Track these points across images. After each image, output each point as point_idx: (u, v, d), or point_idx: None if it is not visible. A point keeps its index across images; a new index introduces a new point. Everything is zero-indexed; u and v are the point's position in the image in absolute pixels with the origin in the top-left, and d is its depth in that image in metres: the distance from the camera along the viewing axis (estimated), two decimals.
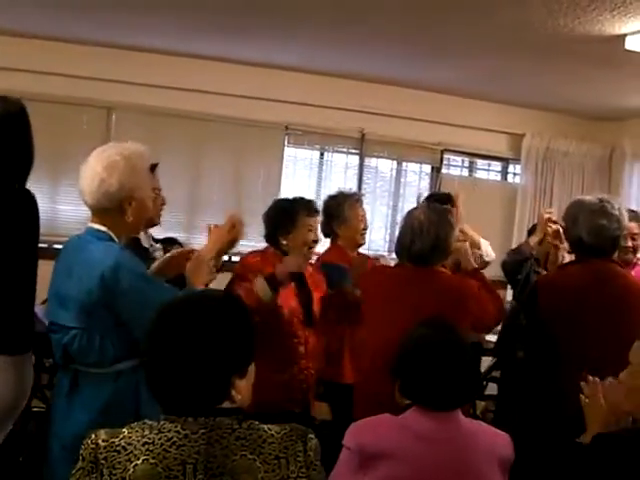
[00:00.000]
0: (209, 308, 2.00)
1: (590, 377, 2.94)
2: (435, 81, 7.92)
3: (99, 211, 3.03)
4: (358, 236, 4.70)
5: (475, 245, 4.60)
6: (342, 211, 4.70)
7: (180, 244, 5.35)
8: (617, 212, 3.82)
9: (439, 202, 4.82)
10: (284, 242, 4.25)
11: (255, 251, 4.42)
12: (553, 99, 8.34)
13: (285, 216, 4.28)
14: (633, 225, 4.58)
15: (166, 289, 3.01)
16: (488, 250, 4.70)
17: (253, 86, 7.69)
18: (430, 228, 3.64)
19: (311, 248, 4.35)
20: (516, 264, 4.36)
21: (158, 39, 6.98)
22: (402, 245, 3.68)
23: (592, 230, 3.77)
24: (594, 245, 3.79)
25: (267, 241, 4.35)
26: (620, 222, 3.82)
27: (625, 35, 5.39)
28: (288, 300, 4.16)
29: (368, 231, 5.03)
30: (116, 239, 3.03)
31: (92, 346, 2.94)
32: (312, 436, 2.04)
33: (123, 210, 3.01)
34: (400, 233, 3.72)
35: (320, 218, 4.64)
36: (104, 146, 3.11)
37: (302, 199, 4.44)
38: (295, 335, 4.19)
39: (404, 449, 2.61)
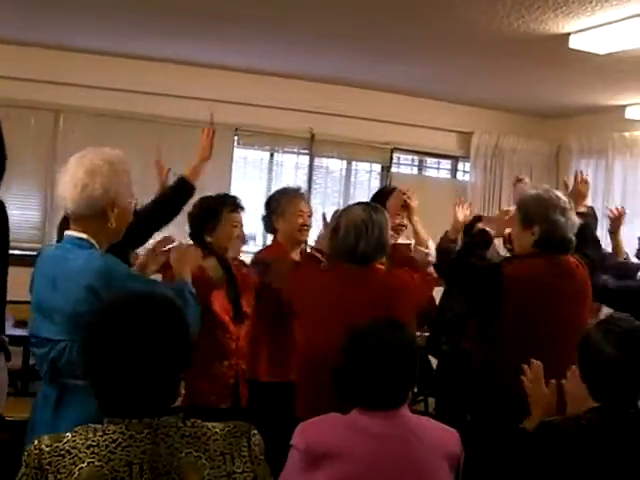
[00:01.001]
0: (152, 308, 2.00)
1: (534, 361, 2.99)
2: (384, 81, 7.97)
3: (80, 218, 2.92)
4: (296, 232, 4.65)
5: (423, 244, 4.62)
6: (281, 205, 4.69)
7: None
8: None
9: (386, 196, 4.85)
10: (209, 239, 4.26)
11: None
12: (501, 97, 8.43)
13: (209, 213, 4.29)
14: None
15: (159, 286, 2.98)
16: (432, 251, 4.72)
17: (202, 87, 7.67)
18: (374, 227, 3.62)
19: (234, 244, 4.36)
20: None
21: (107, 41, 6.94)
22: (346, 246, 3.64)
23: (573, 227, 3.81)
24: (572, 242, 3.84)
25: (192, 239, 4.33)
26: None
27: (569, 34, 5.47)
28: (218, 296, 4.17)
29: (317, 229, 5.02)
30: (97, 246, 2.93)
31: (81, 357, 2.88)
32: (255, 432, 2.06)
33: (106, 216, 2.91)
34: (341, 233, 3.66)
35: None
36: (82, 152, 2.98)
37: (226, 195, 4.48)
38: (227, 331, 4.21)
39: (352, 447, 2.61)
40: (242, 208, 4.42)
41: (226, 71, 7.79)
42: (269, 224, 4.76)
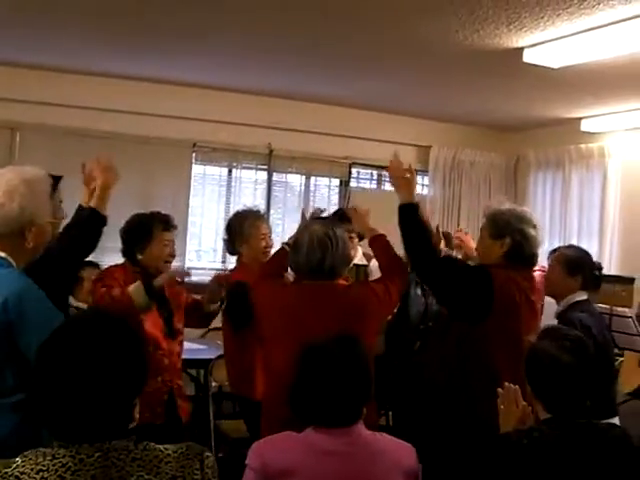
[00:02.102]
0: (104, 330, 1.97)
1: (506, 384, 2.99)
2: (341, 95, 7.98)
3: None
4: (260, 255, 4.65)
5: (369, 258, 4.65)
6: (244, 229, 4.67)
7: (97, 265, 5.30)
8: None
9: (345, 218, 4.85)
10: (140, 257, 4.25)
11: (115, 265, 4.39)
12: (458, 111, 8.49)
13: (141, 231, 4.27)
14: None
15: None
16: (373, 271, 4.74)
17: (160, 104, 7.64)
18: (338, 242, 3.63)
19: (167, 262, 4.35)
20: None
21: (64, 58, 6.89)
22: (312, 261, 3.64)
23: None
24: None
25: (124, 256, 4.33)
26: None
27: (523, 48, 5.51)
28: (149, 314, 4.16)
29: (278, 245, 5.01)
30: (15, 265, 2.92)
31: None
32: (209, 454, 2.03)
33: (23, 236, 2.91)
34: (306, 249, 3.65)
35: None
36: (1, 170, 3.01)
37: (159, 214, 4.43)
38: (159, 347, 4.19)
39: (307, 466, 2.60)
40: (174, 227, 4.42)
41: (184, 87, 7.75)
42: (232, 247, 4.75)
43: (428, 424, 4.36)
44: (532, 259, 3.85)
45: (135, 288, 3.97)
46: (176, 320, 4.37)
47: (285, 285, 3.92)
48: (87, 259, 3.79)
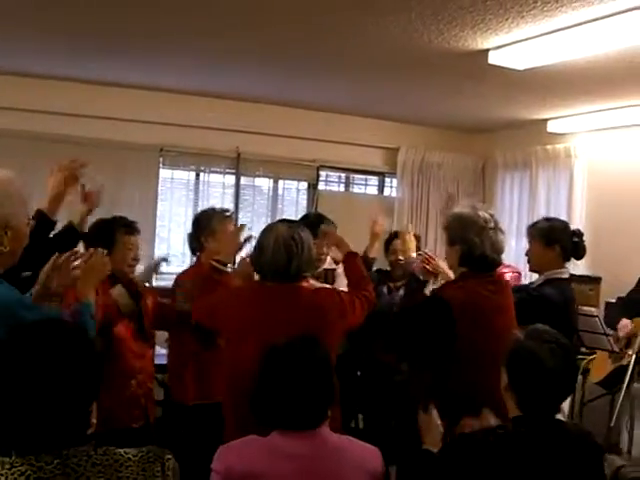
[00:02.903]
0: (59, 337, 1.96)
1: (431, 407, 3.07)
2: (309, 98, 7.99)
3: None
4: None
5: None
6: (212, 224, 4.67)
7: None
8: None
9: (315, 222, 4.85)
10: None
11: None
12: (426, 113, 8.52)
13: (104, 235, 4.26)
14: None
15: (54, 314, 2.91)
16: (340, 276, 4.75)
17: (126, 108, 7.61)
18: (303, 244, 3.64)
19: (131, 267, 4.34)
20: None
21: (26, 61, 6.83)
22: (277, 263, 3.63)
23: (494, 246, 3.80)
24: (496, 260, 3.85)
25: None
26: None
27: (488, 50, 5.53)
28: (121, 315, 4.17)
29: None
30: None
31: None
32: (170, 457, 2.03)
33: None
34: (270, 251, 3.62)
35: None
36: None
37: (121, 218, 4.44)
38: (131, 349, 4.19)
39: (272, 469, 2.60)
40: (138, 231, 4.43)
41: (150, 91, 7.72)
42: (196, 242, 4.73)
43: (399, 426, 4.37)
44: (485, 263, 3.77)
45: (119, 292, 3.95)
46: (147, 323, 4.36)
47: (249, 287, 3.92)
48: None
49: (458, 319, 3.60)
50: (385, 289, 5.80)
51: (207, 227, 4.67)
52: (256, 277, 3.88)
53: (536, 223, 4.82)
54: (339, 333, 3.73)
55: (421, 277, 4.33)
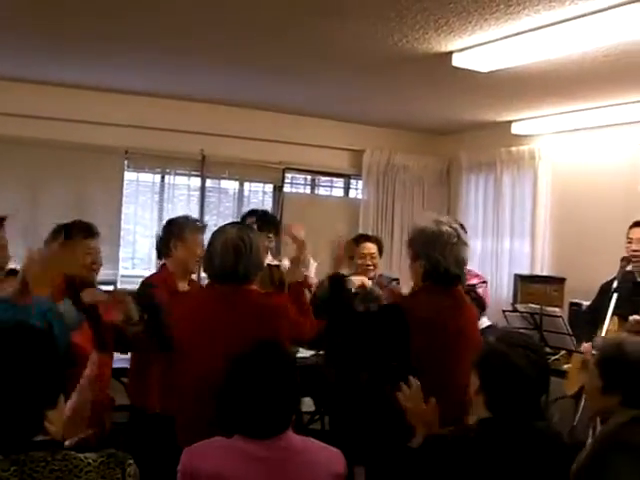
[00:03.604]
0: (16, 341, 1.94)
1: (412, 379, 3.03)
2: (274, 100, 7.97)
3: None
4: (193, 260, 4.64)
5: (305, 265, 4.64)
6: (183, 231, 4.65)
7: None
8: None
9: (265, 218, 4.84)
10: None
11: None
12: (390, 115, 8.54)
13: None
14: None
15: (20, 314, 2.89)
16: (312, 271, 4.75)
17: (91, 110, 7.54)
18: (252, 246, 3.68)
19: (93, 271, 4.31)
20: None
21: None
22: (225, 265, 3.64)
23: (457, 261, 3.80)
24: (458, 275, 3.84)
25: None
26: None
27: (452, 52, 5.55)
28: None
29: None
30: None
31: None
32: (131, 462, 2.01)
33: None
34: (219, 254, 3.65)
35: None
36: None
37: (80, 222, 4.38)
38: (87, 357, 4.14)
39: (236, 471, 2.61)
40: (97, 234, 4.36)
41: (115, 94, 7.66)
42: (165, 247, 4.70)
43: (365, 428, 4.36)
44: (447, 278, 3.75)
45: (64, 306, 3.89)
46: (106, 331, 4.30)
47: (197, 290, 3.94)
48: (12, 268, 3.75)
49: (413, 330, 3.61)
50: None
51: (178, 234, 4.65)
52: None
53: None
54: (288, 336, 3.71)
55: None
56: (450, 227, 3.80)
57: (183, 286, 4.61)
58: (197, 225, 4.78)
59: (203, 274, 4.67)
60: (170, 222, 4.82)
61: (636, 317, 5.06)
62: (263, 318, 3.56)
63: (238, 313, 3.54)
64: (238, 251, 3.60)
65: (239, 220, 4.99)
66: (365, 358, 3.90)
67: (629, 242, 5.60)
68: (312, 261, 4.83)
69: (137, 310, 4.02)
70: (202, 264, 3.81)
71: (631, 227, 5.68)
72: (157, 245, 4.80)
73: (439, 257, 3.70)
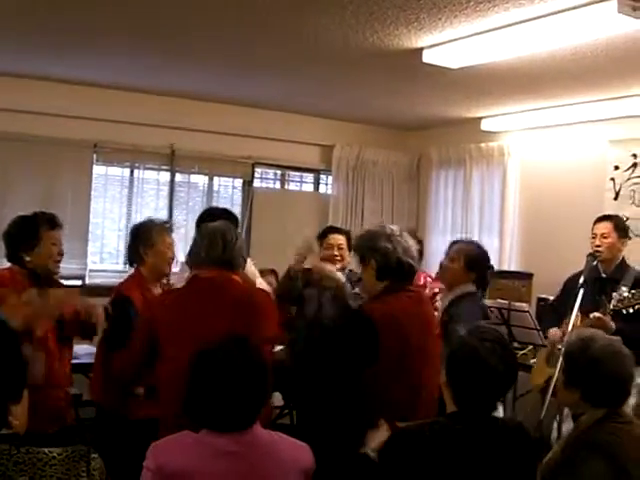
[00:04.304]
0: None
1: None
2: (244, 95, 7.96)
3: None
4: (165, 264, 4.63)
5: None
6: (151, 237, 4.62)
7: None
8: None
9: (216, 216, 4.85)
10: (28, 259, 4.21)
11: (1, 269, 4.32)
12: (361, 111, 8.56)
13: (27, 232, 4.23)
14: None
15: None
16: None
17: (59, 103, 7.47)
18: (238, 238, 3.82)
19: (57, 262, 4.32)
20: None
21: None
22: (212, 250, 3.71)
23: (406, 249, 3.85)
24: (412, 266, 3.89)
25: (9, 260, 4.27)
26: None
27: (422, 49, 5.56)
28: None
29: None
30: None
31: None
32: (95, 455, 2.01)
33: None
34: (207, 241, 3.74)
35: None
36: None
37: (43, 213, 4.39)
38: (50, 353, 4.13)
39: (203, 466, 2.59)
40: (60, 225, 4.38)
41: (84, 87, 7.61)
42: (136, 255, 4.66)
43: (331, 423, 4.37)
44: (402, 269, 3.82)
45: (29, 298, 3.87)
46: (67, 326, 4.28)
47: (180, 287, 3.97)
48: None
49: (380, 333, 3.63)
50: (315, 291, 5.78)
51: (146, 240, 4.62)
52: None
53: (460, 241, 5.20)
54: (272, 326, 3.79)
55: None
56: (393, 228, 3.90)
57: (155, 290, 4.59)
58: (164, 227, 4.74)
59: (173, 277, 4.72)
60: (136, 228, 4.77)
61: (596, 314, 5.11)
62: (246, 305, 3.64)
63: (221, 299, 3.62)
64: (225, 238, 3.72)
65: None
66: (334, 368, 3.93)
67: (593, 237, 5.66)
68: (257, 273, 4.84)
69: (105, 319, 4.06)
70: (188, 253, 3.84)
71: (595, 223, 5.73)
72: (128, 254, 4.76)
73: (387, 247, 3.78)
